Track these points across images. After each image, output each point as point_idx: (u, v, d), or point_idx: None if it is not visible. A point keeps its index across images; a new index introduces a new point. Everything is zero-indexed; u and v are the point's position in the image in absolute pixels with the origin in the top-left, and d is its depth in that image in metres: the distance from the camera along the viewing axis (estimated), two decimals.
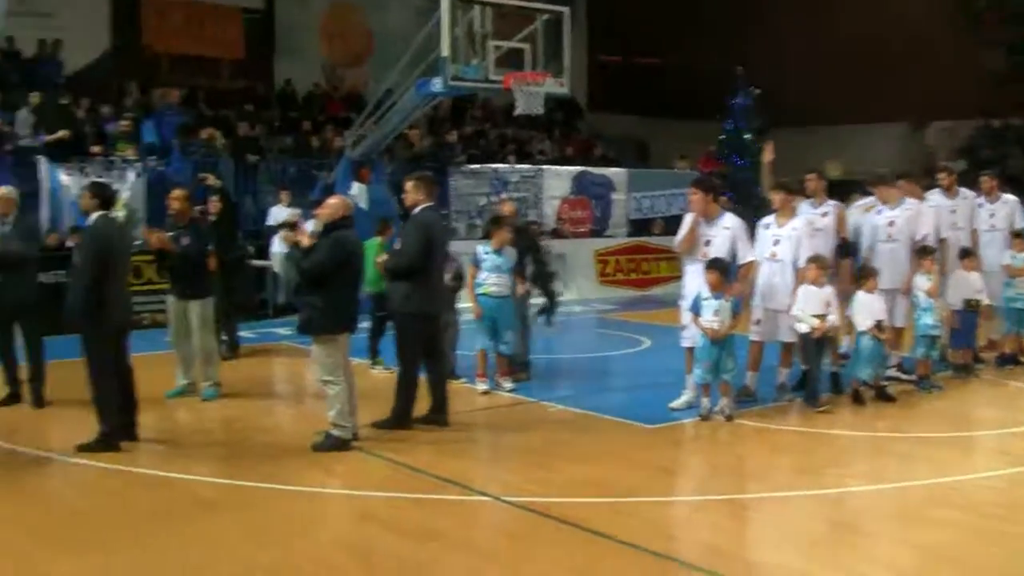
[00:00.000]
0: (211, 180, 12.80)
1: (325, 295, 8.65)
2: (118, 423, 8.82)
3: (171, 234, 10.46)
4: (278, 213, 17.80)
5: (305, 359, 13.44)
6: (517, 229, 11.66)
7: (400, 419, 9.49)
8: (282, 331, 15.83)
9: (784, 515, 7.45)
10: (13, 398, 10.59)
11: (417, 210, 9.54)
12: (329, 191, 18.47)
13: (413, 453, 8.78)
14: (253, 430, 9.83)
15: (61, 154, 17.05)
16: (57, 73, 20.34)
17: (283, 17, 25.54)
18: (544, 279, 11.99)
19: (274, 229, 17.56)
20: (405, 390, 9.53)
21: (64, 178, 16.95)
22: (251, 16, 25.07)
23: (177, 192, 10.79)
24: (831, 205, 11.37)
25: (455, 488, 7.82)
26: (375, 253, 10.70)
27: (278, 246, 17.48)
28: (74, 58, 21.42)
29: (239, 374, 12.07)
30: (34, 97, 17.92)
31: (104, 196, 8.97)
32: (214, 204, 12.56)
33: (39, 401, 10.48)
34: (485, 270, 11.03)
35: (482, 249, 11.20)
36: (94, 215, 8.85)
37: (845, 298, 10.78)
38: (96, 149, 17.55)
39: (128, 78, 21.14)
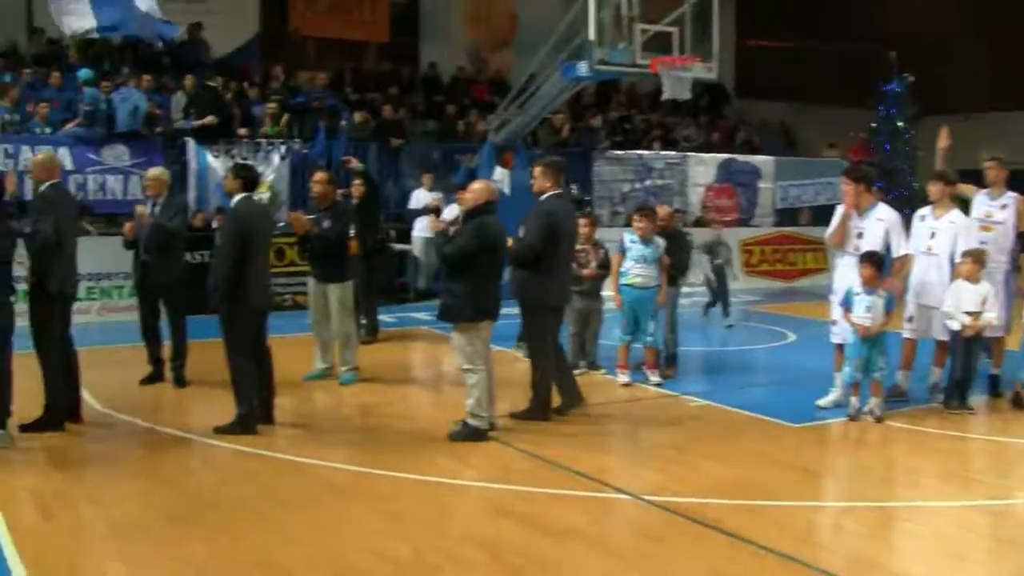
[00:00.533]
0: (354, 163, 12.80)
1: (467, 282, 8.48)
2: (256, 405, 8.83)
3: (312, 217, 10.44)
4: (421, 197, 17.80)
5: (444, 345, 13.33)
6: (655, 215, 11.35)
7: (538, 410, 9.30)
8: (422, 316, 15.80)
9: (938, 526, 6.98)
10: (155, 377, 10.73)
11: (543, 197, 9.30)
12: (472, 176, 18.35)
13: (550, 446, 8.57)
14: (389, 417, 9.75)
15: (208, 136, 17.27)
16: (206, 56, 20.61)
17: (429, 1, 25.50)
18: (718, 278, 11.60)
19: (416, 213, 17.58)
20: (541, 380, 9.33)
21: (211, 160, 17.19)
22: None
23: (320, 175, 10.76)
24: (1011, 197, 10.52)
25: (593, 484, 7.59)
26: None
27: (419, 230, 17.51)
28: (224, 42, 21.70)
29: (378, 359, 12.03)
30: (187, 80, 18.18)
31: (248, 178, 8.96)
32: (357, 187, 12.52)
33: (180, 381, 10.59)
34: (630, 259, 10.75)
35: (628, 237, 10.89)
36: (237, 197, 8.85)
37: None
38: (243, 131, 17.71)
39: (275, 61, 21.33)
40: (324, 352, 10.96)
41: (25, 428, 8.66)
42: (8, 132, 16.31)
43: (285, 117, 18.39)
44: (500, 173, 18.01)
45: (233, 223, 8.72)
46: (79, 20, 14.79)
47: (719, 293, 15.38)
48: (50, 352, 8.72)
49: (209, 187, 17.00)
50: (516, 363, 11.40)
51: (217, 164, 17.18)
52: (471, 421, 8.70)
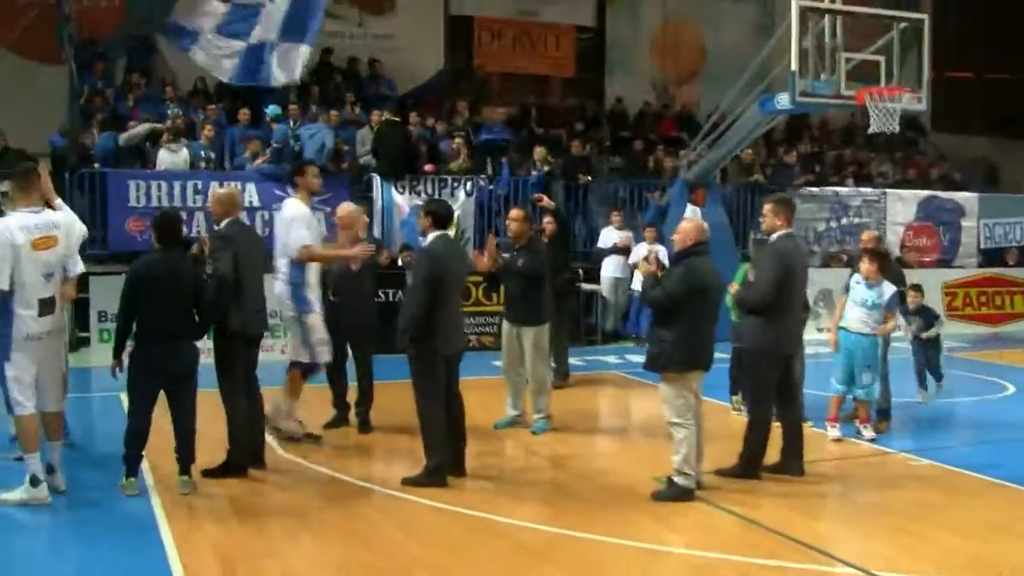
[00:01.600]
0: (546, 201, 12.28)
1: (677, 329, 7.87)
2: (446, 456, 8.33)
3: (507, 255, 9.93)
4: (609, 235, 17.23)
5: (637, 392, 12.84)
6: (886, 258, 10.53)
7: (749, 466, 8.59)
8: (611, 359, 15.22)
9: None
10: (340, 421, 10.38)
11: (774, 237, 8.63)
12: (662, 214, 17.80)
13: (763, 508, 7.89)
14: (584, 470, 9.17)
15: (394, 172, 17.04)
16: (392, 92, 20.52)
17: (615, 34, 25.01)
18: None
19: (605, 252, 17.02)
20: (756, 434, 8.61)
21: (396, 196, 16.97)
22: (583, 34, 24.70)
23: (516, 212, 10.23)
24: None
25: (812, 554, 6.87)
26: (742, 281, 9.84)
27: (608, 269, 16.96)
28: (410, 77, 21.63)
29: (569, 406, 11.45)
30: (373, 116, 18.04)
31: (440, 215, 8.50)
32: (548, 225, 11.99)
33: (365, 425, 10.22)
34: (850, 300, 9.96)
35: (855, 279, 10.14)
36: (431, 235, 8.40)
37: None
38: (428, 167, 17.45)
39: (460, 97, 21.12)
40: (516, 398, 10.43)
41: (208, 474, 8.39)
42: (205, 169, 16.36)
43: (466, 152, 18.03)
44: (691, 211, 17.34)
45: (425, 263, 8.25)
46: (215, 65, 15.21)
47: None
48: (234, 395, 8.43)
49: (394, 224, 16.77)
50: (723, 415, 10.70)
51: (402, 200, 16.96)
52: (677, 479, 8.04)
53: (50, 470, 8.01)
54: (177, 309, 7.93)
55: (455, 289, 8.40)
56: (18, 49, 20.34)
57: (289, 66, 15.94)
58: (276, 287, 9.40)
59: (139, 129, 16.38)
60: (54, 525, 7.58)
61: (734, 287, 9.51)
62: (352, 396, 10.40)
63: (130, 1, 20.84)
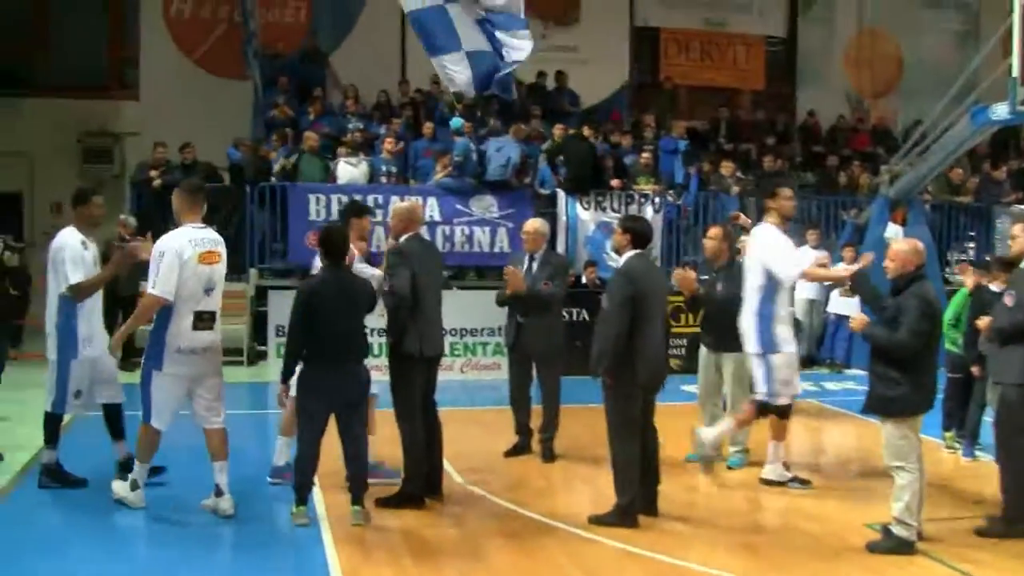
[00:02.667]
0: (743, 220, 11.43)
1: (911, 367, 7.00)
2: (637, 493, 7.62)
3: (705, 278, 9.15)
4: (804, 255, 16.19)
5: (841, 423, 11.97)
6: None
7: (1014, 523, 7.57)
8: (805, 386, 14.15)
9: None
10: (521, 448, 9.76)
11: None
12: (860, 233, 16.75)
13: (993, 566, 6.93)
14: (786, 512, 8.32)
15: (580, 187, 16.44)
16: (575, 105, 19.95)
17: (807, 44, 23.95)
18: None
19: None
20: (1016, 482, 7.60)
21: (581, 212, 16.37)
22: (773, 45, 23.71)
23: (715, 230, 9.43)
24: None
25: None
26: (960, 307, 8.84)
27: (803, 291, 15.98)
28: (593, 91, 21.01)
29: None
30: (556, 130, 17.48)
31: (640, 233, 7.78)
32: (745, 245, 11.14)
33: (549, 454, 9.57)
34: None
35: None
36: (627, 254, 7.70)
37: None
38: (615, 183, 16.77)
39: (645, 110, 20.41)
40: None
41: (382, 503, 7.88)
42: (386, 183, 16.05)
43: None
44: (893, 230, 16.26)
45: (622, 283, 7.53)
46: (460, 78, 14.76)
47: None
48: (410, 419, 7.90)
49: (579, 240, 16.16)
50: (933, 452, 9.67)
51: (587, 217, 16.36)
52: (897, 530, 7.15)
53: (218, 492, 7.75)
54: (349, 329, 7.47)
55: (656, 312, 7.64)
56: (206, 64, 20.51)
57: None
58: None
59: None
60: (219, 551, 7.17)
61: (983, 322, 8.48)
62: (536, 421, 9.75)
63: (314, 18, 20.84)
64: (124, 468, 8.26)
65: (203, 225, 7.81)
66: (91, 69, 20.95)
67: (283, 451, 8.51)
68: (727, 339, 9.19)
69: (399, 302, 7.71)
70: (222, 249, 7.80)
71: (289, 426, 8.24)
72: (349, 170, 15.91)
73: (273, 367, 13.93)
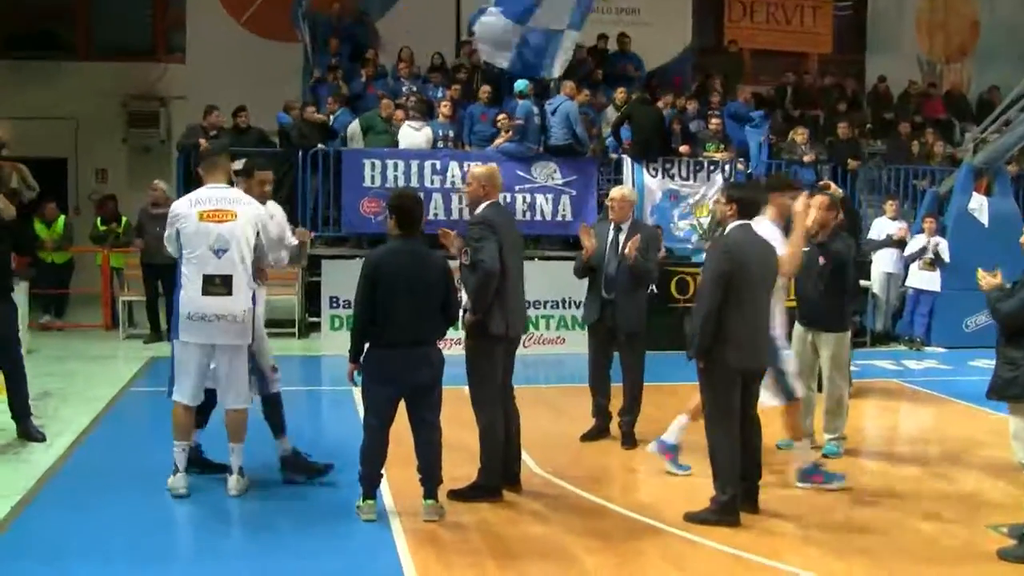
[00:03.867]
0: (833, 188, 10.57)
1: None
2: (738, 489, 6.90)
3: (806, 249, 8.35)
4: (882, 226, 15.41)
5: (937, 407, 11.23)
6: None
7: None
8: (885, 364, 13.47)
9: None
10: (599, 431, 9.07)
11: None
12: (940, 203, 15.92)
13: None
14: (894, 509, 7.54)
15: (646, 153, 15.66)
16: (638, 69, 19.12)
17: (877, 8, 22.89)
18: None
19: (878, 244, 15.23)
20: None
21: (648, 179, 15.61)
22: (842, 7, 22.69)
23: (820, 198, 8.54)
24: None
25: None
26: None
27: (881, 264, 15.21)
28: (655, 54, 20.13)
29: (858, 422, 9.85)
30: (619, 94, 16.70)
31: (748, 202, 7.02)
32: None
33: (629, 439, 8.85)
34: None
35: None
36: (731, 225, 6.96)
37: None
38: (683, 149, 15.97)
39: (708, 74, 19.53)
40: (805, 415, 8.85)
41: (456, 495, 7.21)
42: (444, 148, 15.34)
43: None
44: (977, 200, 15.43)
45: (719, 256, 6.80)
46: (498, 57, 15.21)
47: None
48: (490, 405, 7.22)
49: (645, 209, 15.37)
50: None
51: (654, 184, 15.58)
52: None
53: (240, 472, 7.30)
54: (421, 307, 6.73)
55: (758, 292, 6.89)
56: (253, 27, 19.84)
57: (563, 55, 15.08)
58: None
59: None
60: (276, 550, 6.48)
61: None
62: (615, 403, 9.04)
63: None
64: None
65: (223, 185, 7.29)
66: (137, 32, 20.45)
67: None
68: (829, 317, 8.45)
69: (486, 278, 7.00)
70: (241, 208, 7.17)
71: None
72: (411, 134, 15.20)
73: (327, 340, 13.36)
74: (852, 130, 17.51)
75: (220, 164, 7.40)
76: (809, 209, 7.76)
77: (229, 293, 7.04)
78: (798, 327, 8.64)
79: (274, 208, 7.79)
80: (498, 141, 15.27)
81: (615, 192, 9.04)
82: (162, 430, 7.45)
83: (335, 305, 13.44)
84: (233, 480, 7.31)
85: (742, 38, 21.62)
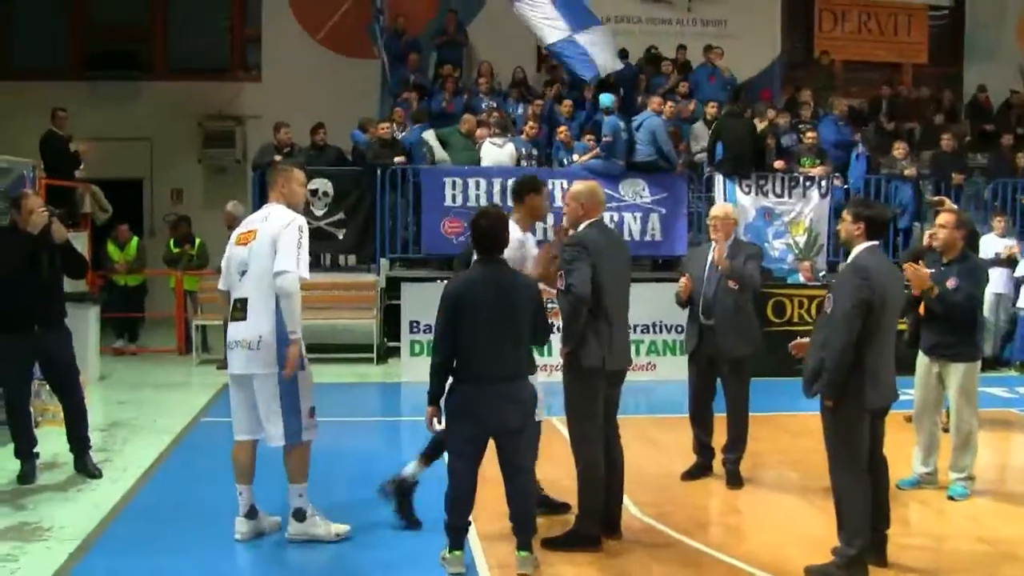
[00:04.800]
0: (948, 205, 9.79)
1: None
2: (868, 541, 6.17)
3: (932, 271, 7.62)
4: (990, 243, 14.50)
5: None
6: None
7: None
8: (997, 391, 12.55)
9: None
10: (702, 469, 8.35)
11: None
12: None
13: None
14: None
15: (738, 169, 14.96)
16: (731, 83, 18.41)
17: (975, 15, 21.94)
18: None
19: (987, 263, 14.30)
20: None
21: (741, 196, 14.88)
22: (937, 15, 21.78)
23: (946, 217, 7.79)
24: None
25: None
26: None
27: (992, 285, 14.28)
28: (743, 66, 19.41)
29: (985, 458, 9.01)
30: (709, 108, 16.00)
31: (878, 221, 6.28)
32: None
33: (735, 479, 8.13)
34: None
35: None
36: (860, 247, 6.23)
37: None
38: (778, 164, 15.23)
39: (797, 86, 18.76)
40: (928, 452, 8.07)
41: (551, 544, 6.55)
42: (527, 166, 14.77)
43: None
44: None
45: (857, 283, 6.02)
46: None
47: None
48: (589, 445, 6.55)
49: (739, 228, 14.62)
50: None
51: (747, 201, 14.85)
52: None
53: (300, 515, 6.73)
54: (507, 338, 6.03)
55: (892, 321, 6.17)
56: (330, 43, 19.53)
57: (606, 52, 14.49)
58: None
59: None
60: None
61: None
62: (718, 438, 8.34)
63: None
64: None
65: (270, 204, 6.77)
66: (212, 50, 20.25)
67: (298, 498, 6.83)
68: (958, 345, 7.70)
69: (577, 303, 6.37)
70: (263, 225, 6.58)
71: (301, 470, 6.79)
72: (494, 151, 14.64)
73: (407, 366, 12.79)
74: (954, 142, 16.63)
75: (271, 181, 6.87)
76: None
77: (244, 318, 6.52)
78: (923, 357, 7.89)
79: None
80: (585, 157, 14.64)
81: (717, 210, 8.37)
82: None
83: (415, 330, 12.85)
84: (292, 525, 6.74)
85: (833, 49, 20.78)
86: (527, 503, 6.21)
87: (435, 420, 6.16)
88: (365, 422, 10.52)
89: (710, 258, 8.14)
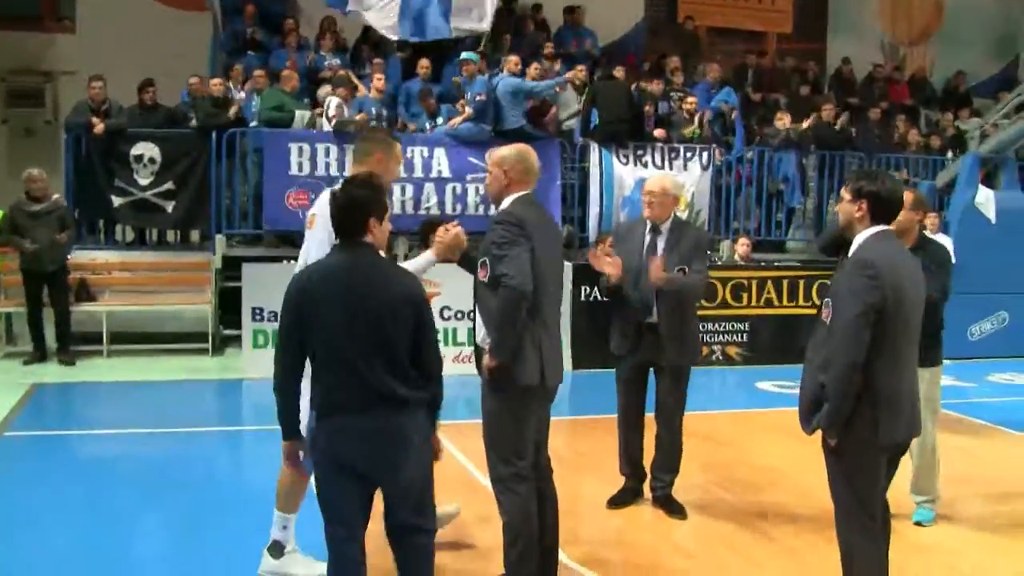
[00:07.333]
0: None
1: None
2: None
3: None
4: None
5: (997, 440, 9.32)
6: None
7: None
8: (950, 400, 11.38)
9: None
10: (632, 495, 6.97)
11: None
12: (939, 196, 14.25)
13: None
14: None
15: (615, 138, 13.68)
16: (592, 45, 17.18)
17: None
18: None
19: None
20: None
21: (618, 166, 13.64)
22: None
23: (910, 196, 6.50)
24: None
25: None
26: None
27: None
28: (604, 28, 18.19)
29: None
30: (577, 72, 14.65)
31: (884, 199, 4.78)
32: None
33: (676, 506, 6.77)
34: None
35: None
36: (865, 233, 4.80)
37: None
38: (658, 133, 14.02)
39: (662, 52, 17.66)
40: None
41: None
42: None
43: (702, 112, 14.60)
44: (984, 194, 13.72)
45: (864, 283, 4.59)
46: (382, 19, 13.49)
47: None
48: (518, 491, 5.05)
49: (615, 201, 13.43)
50: None
51: (625, 172, 13.61)
52: None
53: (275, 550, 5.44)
54: (372, 351, 4.26)
55: (913, 330, 4.84)
56: None
57: (474, 11, 13.12)
58: None
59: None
60: None
61: None
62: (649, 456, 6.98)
63: None
64: None
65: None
66: None
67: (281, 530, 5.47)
68: (923, 349, 6.48)
69: (514, 301, 4.91)
70: (316, 209, 5.29)
71: (289, 497, 5.40)
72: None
73: (249, 359, 11.11)
74: (835, 113, 15.83)
75: (365, 149, 5.45)
76: None
77: None
78: None
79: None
80: (454, 121, 13.12)
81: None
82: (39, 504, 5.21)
83: (258, 318, 11.17)
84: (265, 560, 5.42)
85: (698, 14, 19.79)
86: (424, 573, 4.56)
87: (298, 456, 4.57)
88: (203, 432, 8.87)
89: (647, 242, 6.75)
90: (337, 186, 4.60)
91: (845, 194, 4.91)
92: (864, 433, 4.65)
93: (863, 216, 4.81)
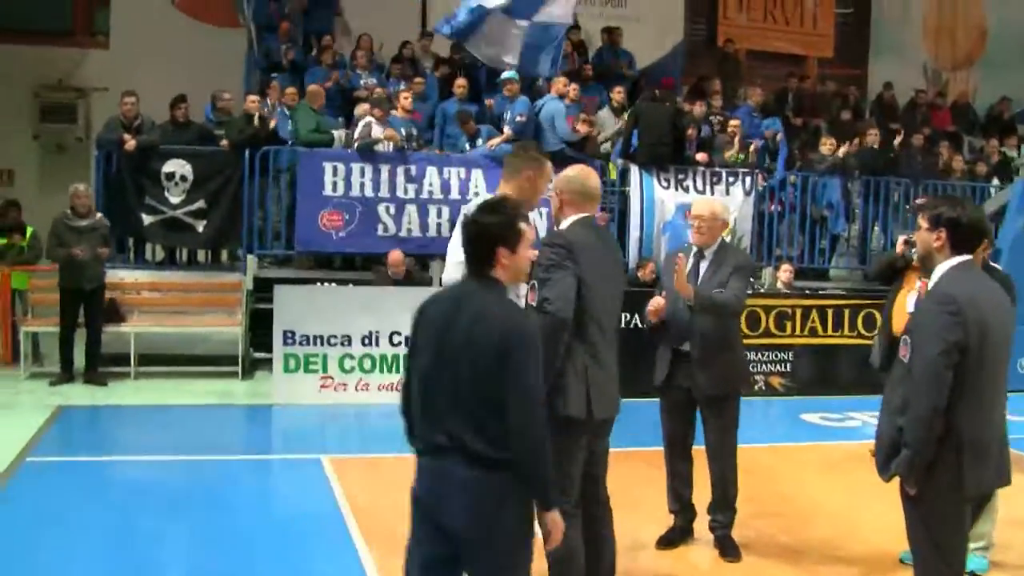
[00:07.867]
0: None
1: None
2: None
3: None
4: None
5: None
6: None
7: None
8: None
9: None
10: (683, 533, 6.61)
11: None
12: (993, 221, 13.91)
13: None
14: None
15: (657, 161, 13.38)
16: (629, 67, 16.93)
17: (881, 10, 21.04)
18: None
19: None
20: None
21: (659, 191, 13.36)
22: (844, 8, 20.76)
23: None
24: None
25: None
26: None
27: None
28: (643, 51, 17.93)
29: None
30: (616, 94, 14.42)
31: (967, 227, 4.48)
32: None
33: (732, 547, 6.39)
34: None
35: None
36: (945, 265, 4.49)
37: None
38: (700, 157, 13.71)
39: (704, 75, 17.40)
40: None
41: None
42: (412, 151, 12.90)
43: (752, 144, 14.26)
44: None
45: (945, 319, 4.27)
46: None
47: None
48: (567, 518, 4.71)
49: (656, 226, 13.13)
50: None
51: (666, 196, 13.32)
52: None
53: None
54: (451, 391, 3.80)
55: (1000, 370, 4.49)
56: (189, 9, 17.52)
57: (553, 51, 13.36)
58: None
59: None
60: None
61: None
62: (702, 496, 6.61)
63: None
64: None
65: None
66: (52, 11, 17.61)
67: None
68: None
69: (553, 327, 4.60)
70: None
71: None
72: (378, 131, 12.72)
73: (279, 384, 10.80)
74: (879, 138, 15.52)
75: (515, 167, 5.25)
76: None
77: None
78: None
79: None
80: (493, 142, 12.86)
81: (702, 208, 6.53)
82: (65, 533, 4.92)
83: (290, 341, 10.84)
84: None
85: (738, 37, 19.53)
86: None
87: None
88: (230, 460, 8.57)
89: (689, 267, 6.44)
90: (470, 207, 4.30)
91: (922, 222, 4.59)
92: (947, 480, 4.30)
93: (942, 246, 4.48)
